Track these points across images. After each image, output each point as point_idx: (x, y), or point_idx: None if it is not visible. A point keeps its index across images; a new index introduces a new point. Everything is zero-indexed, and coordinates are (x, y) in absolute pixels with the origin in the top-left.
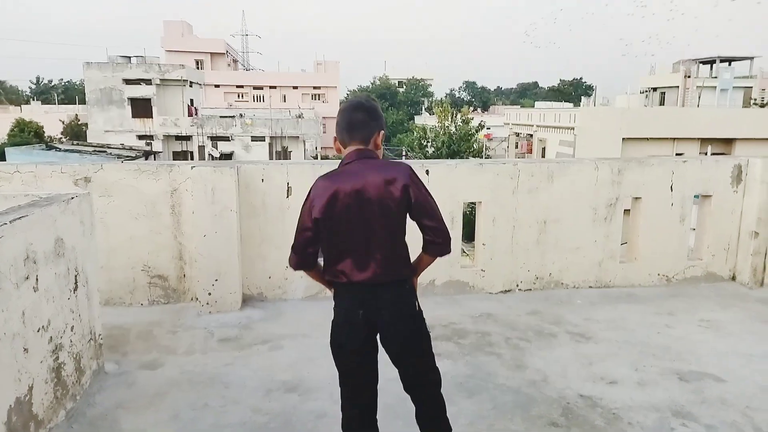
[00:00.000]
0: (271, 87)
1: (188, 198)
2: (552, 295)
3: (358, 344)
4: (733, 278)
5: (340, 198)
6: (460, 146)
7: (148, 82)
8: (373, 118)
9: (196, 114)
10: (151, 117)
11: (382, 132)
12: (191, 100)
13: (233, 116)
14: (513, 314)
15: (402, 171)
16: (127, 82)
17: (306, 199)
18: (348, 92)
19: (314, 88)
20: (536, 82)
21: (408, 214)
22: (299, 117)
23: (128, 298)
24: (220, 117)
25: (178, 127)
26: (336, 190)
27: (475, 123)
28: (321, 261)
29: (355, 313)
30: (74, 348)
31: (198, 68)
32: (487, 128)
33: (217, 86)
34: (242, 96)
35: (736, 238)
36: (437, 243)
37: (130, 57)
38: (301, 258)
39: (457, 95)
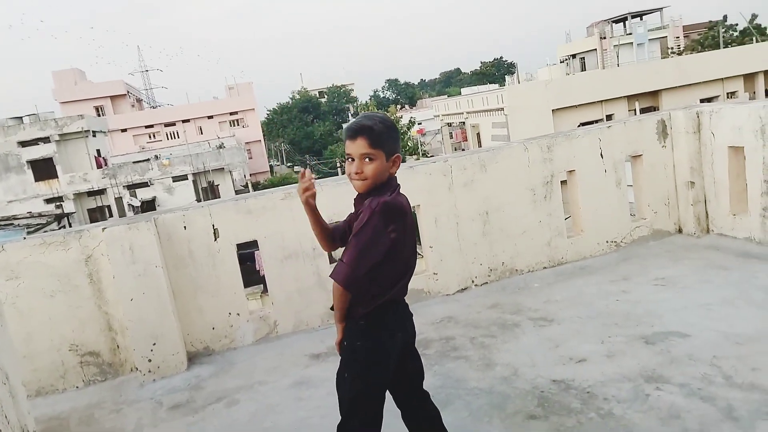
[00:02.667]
0: (184, 121)
1: (105, 262)
2: (509, 284)
3: (395, 360)
4: (680, 231)
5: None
6: None
7: (46, 140)
8: None
9: (106, 164)
10: (56, 177)
11: None
12: (98, 151)
13: (148, 159)
14: (473, 312)
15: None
16: (23, 144)
17: (391, 220)
18: (267, 112)
19: (231, 114)
20: (458, 69)
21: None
22: (220, 147)
23: (60, 384)
24: (134, 163)
25: (88, 182)
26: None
27: (405, 120)
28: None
29: (397, 332)
30: None
31: (99, 115)
32: (418, 123)
33: (123, 130)
34: (154, 136)
35: (674, 191)
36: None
37: (21, 117)
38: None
39: (382, 95)
